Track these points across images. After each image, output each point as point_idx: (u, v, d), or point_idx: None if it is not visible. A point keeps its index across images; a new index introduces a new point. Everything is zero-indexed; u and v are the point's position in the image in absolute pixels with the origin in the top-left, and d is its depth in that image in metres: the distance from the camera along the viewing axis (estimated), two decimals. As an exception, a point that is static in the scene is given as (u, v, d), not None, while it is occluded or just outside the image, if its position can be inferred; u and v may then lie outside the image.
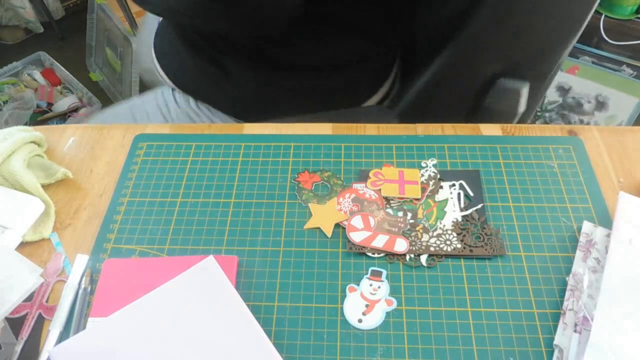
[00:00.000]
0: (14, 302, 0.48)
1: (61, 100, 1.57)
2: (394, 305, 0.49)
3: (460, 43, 0.64)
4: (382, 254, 0.52)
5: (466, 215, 0.55)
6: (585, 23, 0.59)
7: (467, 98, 0.70)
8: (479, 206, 0.55)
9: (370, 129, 0.64)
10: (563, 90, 1.40)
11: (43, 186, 0.58)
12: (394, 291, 0.50)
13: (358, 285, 0.50)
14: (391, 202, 0.56)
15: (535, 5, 0.60)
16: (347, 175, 0.59)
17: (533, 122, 1.50)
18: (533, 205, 0.55)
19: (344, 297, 0.50)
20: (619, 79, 1.30)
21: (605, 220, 0.53)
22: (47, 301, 0.51)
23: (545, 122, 1.49)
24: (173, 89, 0.80)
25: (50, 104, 1.57)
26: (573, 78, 1.36)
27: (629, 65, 1.29)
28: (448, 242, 0.53)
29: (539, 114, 1.48)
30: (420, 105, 0.71)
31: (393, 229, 0.54)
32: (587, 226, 0.53)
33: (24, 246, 0.55)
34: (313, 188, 0.58)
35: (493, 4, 0.59)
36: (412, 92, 0.70)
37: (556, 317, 0.47)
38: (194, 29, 0.71)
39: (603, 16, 1.26)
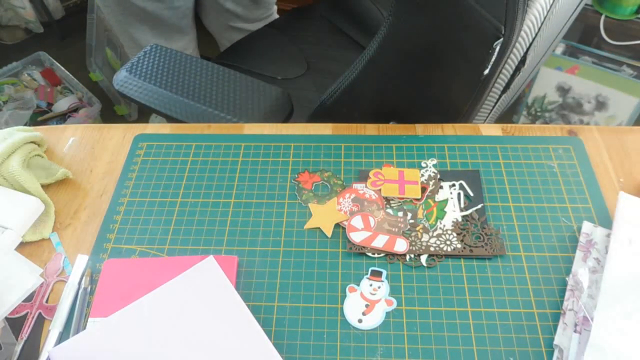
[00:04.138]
0: (13, 302, 0.48)
1: (61, 100, 1.57)
2: (394, 305, 0.49)
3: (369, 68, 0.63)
4: (382, 254, 0.52)
5: (466, 215, 0.55)
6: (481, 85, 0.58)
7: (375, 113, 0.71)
8: (479, 206, 0.55)
9: (370, 129, 0.64)
10: (563, 90, 1.40)
11: (43, 186, 0.58)
12: (394, 291, 0.50)
13: (358, 285, 0.50)
14: (391, 202, 0.56)
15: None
16: (347, 175, 0.59)
17: (533, 122, 1.50)
18: (533, 205, 0.55)
19: (344, 297, 0.50)
20: (619, 79, 1.30)
21: (605, 220, 0.53)
22: (47, 301, 0.51)
23: (545, 122, 1.49)
24: None
25: (50, 104, 1.57)
26: (573, 78, 1.36)
27: (629, 65, 1.29)
28: (448, 242, 0.53)
29: (538, 113, 1.48)
30: (333, 107, 0.71)
31: (393, 229, 0.54)
32: (587, 226, 0.53)
33: (24, 246, 0.55)
34: (313, 188, 0.58)
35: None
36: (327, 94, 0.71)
37: (556, 317, 0.47)
38: None
39: (603, 16, 1.26)
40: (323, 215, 0.55)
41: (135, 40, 1.16)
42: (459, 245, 0.52)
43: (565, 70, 1.36)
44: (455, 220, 0.54)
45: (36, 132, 0.62)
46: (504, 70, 0.57)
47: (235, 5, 1.21)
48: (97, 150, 0.64)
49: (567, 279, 0.49)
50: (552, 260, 0.51)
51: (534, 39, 0.56)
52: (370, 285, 0.50)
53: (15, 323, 0.49)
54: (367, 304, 0.49)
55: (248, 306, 0.48)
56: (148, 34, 1.15)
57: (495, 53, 0.51)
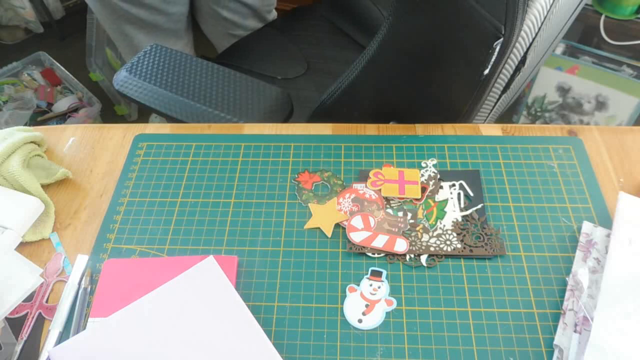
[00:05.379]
0: (13, 302, 0.48)
1: (61, 100, 1.57)
2: (394, 305, 0.49)
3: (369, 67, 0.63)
4: (382, 254, 0.52)
5: (466, 215, 0.55)
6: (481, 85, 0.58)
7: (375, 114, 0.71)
8: (479, 206, 0.55)
9: (370, 129, 0.64)
10: (563, 90, 1.40)
11: (43, 186, 0.58)
12: (394, 291, 0.50)
13: (358, 285, 0.50)
14: (391, 202, 0.56)
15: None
16: (347, 175, 0.59)
17: (533, 122, 1.50)
18: (533, 205, 0.55)
19: (344, 297, 0.50)
20: (619, 79, 1.30)
21: (605, 220, 0.53)
22: (47, 301, 0.51)
23: (545, 122, 1.49)
24: None
25: (50, 104, 1.57)
26: (573, 78, 1.36)
27: (629, 65, 1.28)
28: (448, 242, 0.53)
29: (538, 113, 1.48)
30: (333, 106, 0.71)
31: (393, 229, 0.54)
32: (587, 226, 0.53)
33: (24, 246, 0.55)
34: (313, 188, 0.58)
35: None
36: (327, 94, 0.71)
37: (556, 317, 0.47)
38: None
39: (603, 16, 1.26)
40: (323, 215, 0.55)
41: (130, 46, 1.16)
42: (459, 245, 0.52)
43: (565, 70, 1.36)
44: (455, 220, 0.54)
45: (36, 132, 0.62)
46: (504, 70, 0.57)
47: (233, 14, 1.21)
48: (97, 150, 0.64)
49: (567, 279, 0.49)
50: (552, 260, 0.51)
51: (534, 39, 0.56)
52: (370, 285, 0.50)
53: (15, 323, 0.49)
54: (367, 304, 0.49)
55: (248, 306, 0.48)
56: (143, 40, 1.15)
57: (495, 53, 0.51)
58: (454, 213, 0.55)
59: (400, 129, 0.63)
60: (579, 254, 0.51)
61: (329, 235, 0.54)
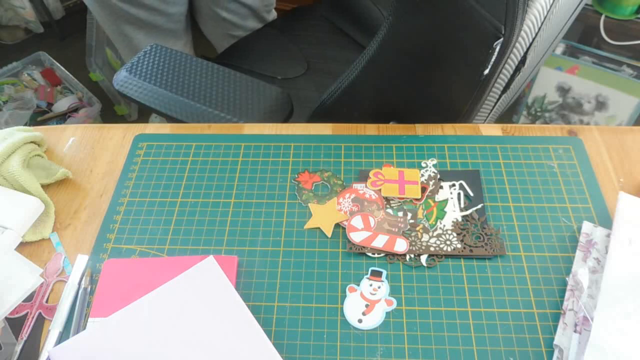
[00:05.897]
0: (13, 302, 0.48)
1: (61, 100, 1.57)
2: (394, 305, 0.49)
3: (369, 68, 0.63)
4: (382, 254, 0.52)
5: (466, 215, 0.55)
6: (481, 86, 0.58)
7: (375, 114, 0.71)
8: (479, 206, 0.55)
9: (370, 129, 0.64)
10: (563, 90, 1.40)
11: (43, 186, 0.58)
12: (394, 291, 0.50)
13: (358, 285, 0.50)
14: (391, 202, 0.56)
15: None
16: (347, 175, 0.59)
17: (533, 122, 1.50)
18: (533, 205, 0.55)
19: (344, 297, 0.50)
20: (619, 79, 1.30)
21: (605, 220, 0.53)
22: (47, 301, 0.51)
23: (545, 122, 1.49)
24: None
25: (50, 104, 1.57)
26: (573, 78, 1.36)
27: (629, 65, 1.28)
28: (448, 242, 0.53)
29: (538, 114, 1.48)
30: (332, 106, 0.71)
31: (393, 229, 0.54)
32: (587, 226, 0.53)
33: (24, 246, 0.55)
34: (313, 188, 0.58)
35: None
36: (327, 94, 0.71)
37: (556, 317, 0.47)
38: None
39: (603, 16, 1.26)
40: (323, 215, 0.55)
41: (130, 46, 1.16)
42: (459, 245, 0.52)
43: (565, 70, 1.36)
44: (455, 220, 0.54)
45: (36, 132, 0.62)
46: (504, 70, 0.57)
47: (232, 15, 1.21)
48: (97, 150, 0.64)
49: (567, 279, 0.49)
50: (552, 260, 0.51)
51: (534, 39, 0.56)
52: (370, 285, 0.50)
53: (15, 323, 0.49)
54: (367, 304, 0.49)
55: (248, 306, 0.48)
56: (142, 40, 1.15)
57: (495, 53, 0.51)
58: (454, 213, 0.55)
59: (400, 129, 0.63)
60: (579, 254, 0.51)
61: (329, 235, 0.54)
